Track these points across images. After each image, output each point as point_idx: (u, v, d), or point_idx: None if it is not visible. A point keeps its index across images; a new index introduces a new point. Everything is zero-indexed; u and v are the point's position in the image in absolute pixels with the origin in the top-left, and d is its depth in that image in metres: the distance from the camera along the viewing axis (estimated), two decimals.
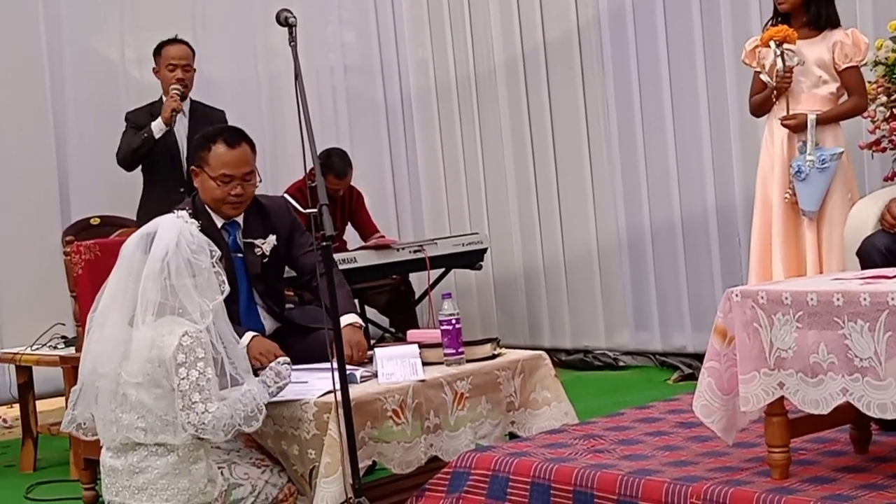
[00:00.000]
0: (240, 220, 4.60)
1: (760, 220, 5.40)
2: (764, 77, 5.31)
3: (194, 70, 6.45)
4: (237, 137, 4.53)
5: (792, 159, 5.24)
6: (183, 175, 6.15)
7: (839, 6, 5.34)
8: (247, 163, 4.50)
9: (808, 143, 5.19)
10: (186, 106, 6.37)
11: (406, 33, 8.63)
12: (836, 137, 5.26)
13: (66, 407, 3.99)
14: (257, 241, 4.59)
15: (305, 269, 4.67)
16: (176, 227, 3.82)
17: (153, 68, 6.46)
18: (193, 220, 3.88)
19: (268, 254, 4.60)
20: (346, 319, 4.41)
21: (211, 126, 5.87)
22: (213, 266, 3.79)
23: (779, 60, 5.20)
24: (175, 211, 3.97)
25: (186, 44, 6.46)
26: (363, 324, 4.61)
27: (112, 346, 3.78)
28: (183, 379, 3.65)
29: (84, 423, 3.97)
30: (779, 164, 5.29)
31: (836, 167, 5.17)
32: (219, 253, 3.85)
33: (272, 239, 4.61)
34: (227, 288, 3.83)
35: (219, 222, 4.54)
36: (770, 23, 5.40)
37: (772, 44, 5.21)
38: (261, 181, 4.62)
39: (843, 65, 5.23)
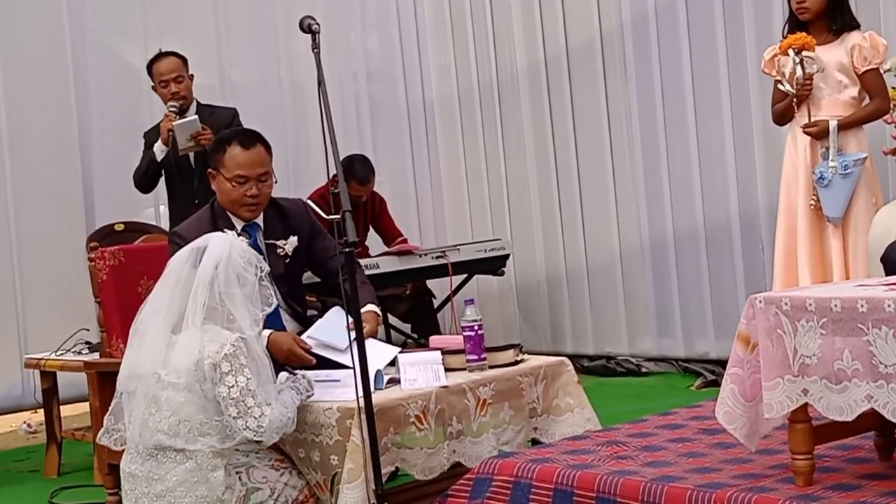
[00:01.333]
0: (260, 221, 4.62)
1: (785, 227, 5.39)
2: (784, 87, 5.29)
3: (190, 77, 6.38)
4: (252, 138, 4.57)
5: (815, 166, 5.23)
6: (194, 187, 6.14)
7: (863, 9, 5.33)
8: (262, 163, 4.53)
9: (830, 149, 5.18)
10: (192, 111, 6.34)
11: (429, 39, 8.64)
12: (858, 142, 5.25)
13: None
14: (279, 242, 4.62)
15: (331, 273, 4.69)
16: (227, 242, 3.93)
17: (151, 86, 6.45)
18: (243, 238, 4.01)
19: (290, 254, 4.63)
20: (364, 308, 4.47)
21: (219, 127, 5.91)
22: (262, 280, 3.89)
23: (798, 68, 5.19)
24: (224, 230, 4.12)
25: (174, 54, 6.35)
26: (380, 314, 4.62)
27: (154, 350, 3.85)
28: (232, 387, 3.72)
29: (118, 433, 4.02)
30: (802, 170, 5.28)
31: (859, 173, 5.16)
32: (267, 269, 3.94)
33: (293, 240, 4.65)
34: (275, 301, 3.95)
35: (238, 225, 4.56)
36: (787, 29, 5.39)
37: (790, 52, 5.20)
38: (276, 182, 4.64)
39: (862, 68, 5.21)
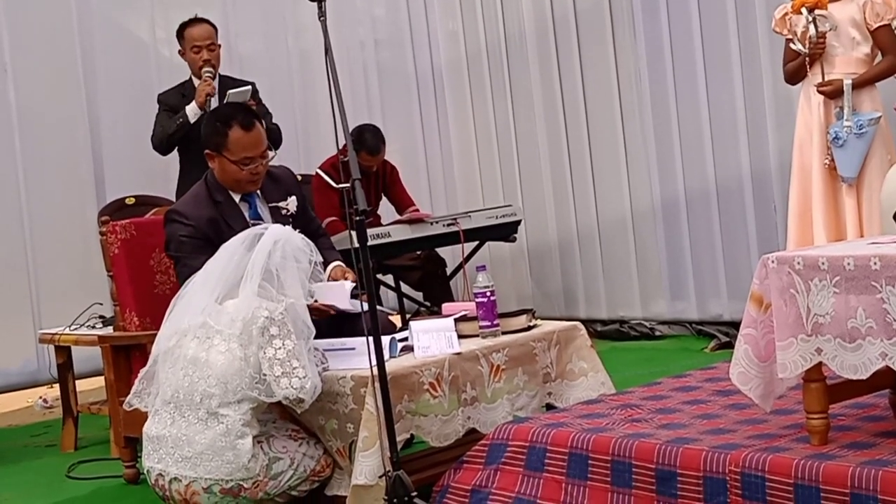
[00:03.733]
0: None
1: (799, 187, 5.37)
2: (796, 46, 5.26)
3: (219, 46, 6.42)
4: (250, 118, 4.62)
5: (829, 125, 5.20)
6: None
7: None
8: (262, 141, 4.61)
9: (844, 108, 5.15)
10: (215, 83, 6.35)
11: (436, 5, 8.59)
12: (872, 100, 5.23)
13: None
14: (280, 204, 4.71)
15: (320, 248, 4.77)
16: (286, 229, 4.16)
17: (179, 50, 6.45)
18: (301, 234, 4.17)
19: (293, 212, 4.71)
20: (332, 265, 4.63)
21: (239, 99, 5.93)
22: (316, 265, 4.10)
23: (811, 27, 5.16)
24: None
25: (207, 22, 6.42)
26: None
27: (198, 308, 4.01)
28: (279, 349, 3.88)
29: (149, 396, 4.09)
30: (817, 130, 5.26)
31: (874, 132, 5.14)
32: (321, 258, 4.14)
33: (293, 199, 4.74)
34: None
35: (236, 197, 4.64)
36: None
37: (803, 10, 5.17)
38: (274, 155, 4.72)
39: (875, 24, 5.19)
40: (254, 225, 4.50)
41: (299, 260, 4.04)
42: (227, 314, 3.96)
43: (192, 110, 6.20)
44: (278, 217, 4.65)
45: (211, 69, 6.25)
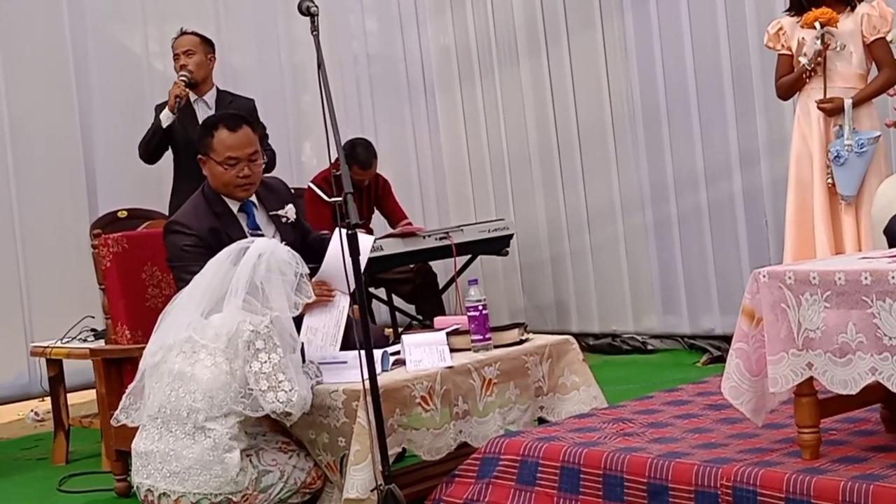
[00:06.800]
0: (254, 200, 4.70)
1: (796, 202, 5.35)
2: (804, 58, 5.27)
3: (211, 57, 6.38)
4: (237, 120, 4.66)
5: (829, 142, 5.21)
6: None
7: None
8: (250, 143, 4.61)
9: (845, 127, 5.16)
10: (212, 96, 6.35)
11: (428, 20, 8.61)
12: (871, 118, 5.24)
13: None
14: (280, 212, 4.73)
15: (315, 241, 4.81)
16: (272, 241, 4.17)
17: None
18: (287, 246, 4.16)
19: (293, 220, 4.73)
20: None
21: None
22: (302, 277, 4.07)
23: (818, 41, 5.18)
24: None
25: (193, 33, 6.42)
26: None
27: (183, 323, 4.00)
28: (265, 363, 3.87)
29: (136, 411, 4.08)
30: (818, 146, 5.25)
31: (873, 151, 5.15)
32: (307, 270, 4.12)
33: (291, 207, 4.76)
34: (313, 296, 4.15)
35: (234, 206, 4.65)
36: (792, 4, 5.38)
37: (817, 25, 5.18)
38: (265, 161, 4.74)
39: (871, 37, 5.21)
40: (252, 235, 4.51)
41: (284, 273, 4.03)
42: (212, 328, 3.95)
43: (165, 115, 6.23)
44: (279, 225, 4.68)
45: (186, 74, 6.25)
